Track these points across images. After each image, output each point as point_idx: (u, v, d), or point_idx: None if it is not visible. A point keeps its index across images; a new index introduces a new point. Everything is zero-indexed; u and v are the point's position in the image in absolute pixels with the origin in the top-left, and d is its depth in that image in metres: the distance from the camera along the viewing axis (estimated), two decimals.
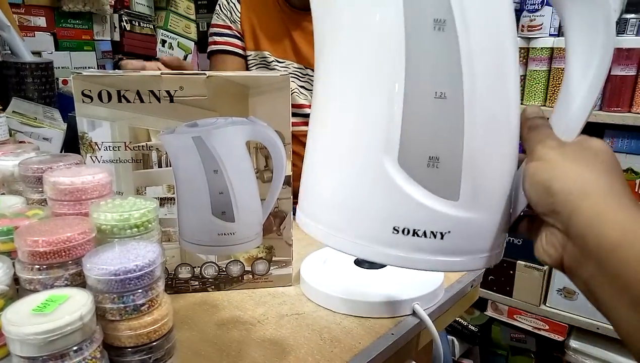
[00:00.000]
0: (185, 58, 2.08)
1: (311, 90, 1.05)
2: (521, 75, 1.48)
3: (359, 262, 0.66)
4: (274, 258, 0.65)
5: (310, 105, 1.05)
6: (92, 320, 0.36)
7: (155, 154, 0.59)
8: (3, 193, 0.55)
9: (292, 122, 0.61)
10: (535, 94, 1.47)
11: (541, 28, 1.43)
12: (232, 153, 0.59)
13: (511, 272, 1.57)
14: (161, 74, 0.56)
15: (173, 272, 0.63)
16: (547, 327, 1.57)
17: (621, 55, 1.31)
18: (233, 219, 0.61)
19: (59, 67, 1.43)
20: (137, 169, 0.59)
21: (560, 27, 1.46)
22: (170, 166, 0.59)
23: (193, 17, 2.13)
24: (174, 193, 0.60)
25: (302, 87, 1.06)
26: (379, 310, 0.58)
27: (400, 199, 0.35)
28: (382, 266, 0.64)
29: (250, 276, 0.65)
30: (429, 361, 0.69)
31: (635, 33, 1.33)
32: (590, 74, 0.36)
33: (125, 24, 1.78)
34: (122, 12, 1.76)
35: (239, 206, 0.61)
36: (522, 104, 0.42)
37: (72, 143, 0.67)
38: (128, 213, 0.45)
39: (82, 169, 0.50)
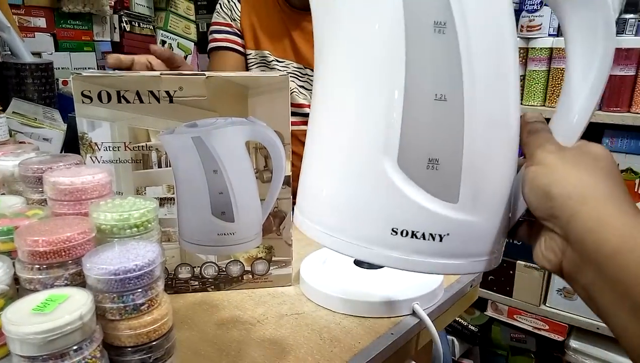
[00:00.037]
0: (185, 59, 2.08)
1: (310, 90, 1.05)
2: (520, 76, 1.48)
3: (359, 262, 0.66)
4: (273, 258, 0.65)
5: (309, 105, 1.05)
6: (91, 319, 0.36)
7: (155, 154, 0.59)
8: (3, 194, 0.55)
9: (292, 122, 0.61)
10: (534, 94, 1.48)
11: (540, 28, 1.43)
12: (231, 153, 0.59)
13: (511, 272, 1.57)
14: (160, 74, 0.56)
15: (173, 272, 0.63)
16: (547, 327, 1.57)
17: (620, 55, 1.31)
18: (233, 219, 0.61)
19: (59, 68, 1.43)
20: (136, 169, 0.59)
21: (559, 27, 1.47)
22: (170, 166, 0.59)
23: (193, 17, 2.13)
24: (173, 194, 0.60)
25: (301, 86, 1.06)
26: (379, 310, 0.58)
27: (399, 201, 0.35)
28: (381, 266, 0.64)
29: (250, 276, 0.65)
30: (428, 361, 0.69)
31: (634, 33, 1.33)
32: (591, 76, 0.36)
33: (125, 24, 1.78)
34: (122, 13, 1.76)
35: (239, 206, 0.61)
36: (521, 104, 0.42)
37: (72, 143, 0.67)
38: (128, 213, 0.45)
39: (82, 169, 0.50)
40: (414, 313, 0.59)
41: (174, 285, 0.64)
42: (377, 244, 0.36)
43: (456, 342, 1.72)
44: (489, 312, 1.69)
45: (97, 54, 1.68)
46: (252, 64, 1.08)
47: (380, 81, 0.35)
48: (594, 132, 1.38)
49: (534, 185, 0.34)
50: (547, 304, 1.56)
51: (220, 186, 0.60)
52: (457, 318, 1.69)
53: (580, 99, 0.36)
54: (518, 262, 1.55)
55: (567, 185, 0.33)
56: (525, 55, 1.47)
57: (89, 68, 1.63)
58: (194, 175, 0.59)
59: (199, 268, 0.63)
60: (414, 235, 0.35)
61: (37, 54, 1.44)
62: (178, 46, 2.06)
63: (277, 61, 1.05)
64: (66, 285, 0.39)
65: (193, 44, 2.13)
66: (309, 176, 0.41)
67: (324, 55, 0.39)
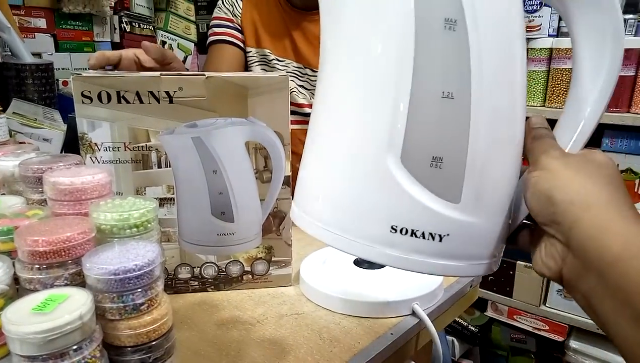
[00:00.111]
0: (185, 59, 2.08)
1: (310, 89, 1.05)
2: None
3: (359, 262, 0.66)
4: (273, 259, 0.65)
5: (309, 105, 1.05)
6: (91, 319, 0.36)
7: (154, 154, 0.59)
8: (3, 194, 0.55)
9: (291, 121, 0.61)
10: (534, 95, 1.48)
11: (540, 28, 1.43)
12: (231, 153, 0.59)
13: (511, 272, 1.57)
14: (160, 74, 0.56)
15: (173, 272, 0.63)
16: (547, 328, 1.57)
17: None
18: (232, 219, 0.61)
19: (59, 69, 1.43)
20: (136, 169, 0.59)
21: (559, 27, 1.47)
22: (169, 166, 0.59)
23: (193, 18, 2.13)
24: (173, 194, 0.60)
25: (301, 86, 1.06)
26: (378, 310, 0.58)
27: (400, 198, 0.34)
28: (381, 266, 0.64)
29: (250, 276, 0.65)
30: (428, 361, 0.69)
31: (633, 33, 1.33)
32: (600, 80, 0.35)
33: (125, 25, 1.78)
34: (122, 14, 1.76)
35: (239, 206, 0.61)
36: None
37: (72, 144, 0.67)
38: (128, 213, 0.45)
39: (81, 169, 0.50)
40: (413, 313, 0.59)
41: (173, 285, 0.64)
42: (375, 241, 0.35)
43: (456, 343, 1.72)
44: (489, 313, 1.69)
45: None
46: (253, 62, 1.08)
47: (387, 77, 0.34)
48: (593, 133, 1.37)
49: (537, 189, 0.34)
50: (547, 304, 1.56)
51: (220, 186, 0.60)
52: (457, 319, 1.69)
53: (589, 103, 0.36)
54: (518, 262, 1.55)
55: (570, 191, 0.32)
56: None
57: (89, 68, 1.63)
58: (193, 175, 0.59)
59: (198, 268, 0.63)
60: (413, 233, 0.35)
61: (38, 55, 1.44)
62: (178, 47, 2.06)
63: (278, 60, 1.05)
64: (66, 285, 0.39)
65: (193, 44, 2.13)
66: (309, 169, 0.40)
67: (331, 51, 0.38)
